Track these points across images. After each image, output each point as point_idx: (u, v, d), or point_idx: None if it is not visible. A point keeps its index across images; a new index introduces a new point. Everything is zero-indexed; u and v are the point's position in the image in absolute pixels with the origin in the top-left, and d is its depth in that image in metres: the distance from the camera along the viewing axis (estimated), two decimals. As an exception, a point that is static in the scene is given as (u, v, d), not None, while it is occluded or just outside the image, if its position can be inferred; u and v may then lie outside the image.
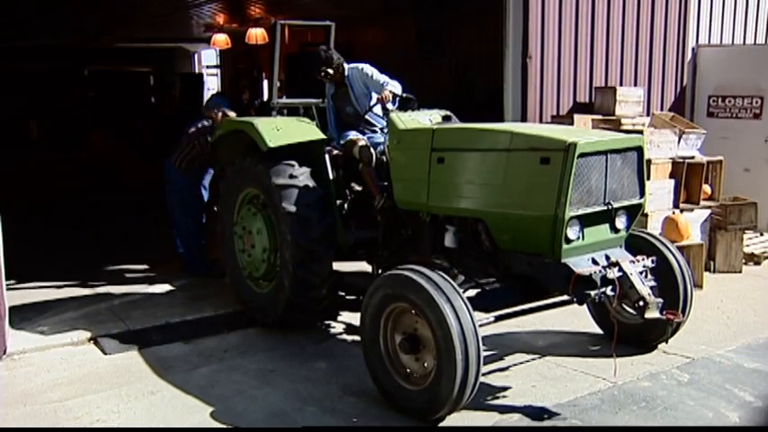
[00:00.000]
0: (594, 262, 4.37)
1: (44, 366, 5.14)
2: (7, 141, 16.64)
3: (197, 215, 7.37)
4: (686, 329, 5.24)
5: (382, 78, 5.86)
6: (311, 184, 5.51)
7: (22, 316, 6.00)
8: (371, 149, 5.60)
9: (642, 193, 4.61)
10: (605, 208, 4.39)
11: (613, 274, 4.28)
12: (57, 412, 4.44)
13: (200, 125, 7.15)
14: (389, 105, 5.67)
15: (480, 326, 4.08)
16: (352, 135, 5.83)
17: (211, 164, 7.12)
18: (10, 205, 5.46)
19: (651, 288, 4.39)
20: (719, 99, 8.69)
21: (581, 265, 4.30)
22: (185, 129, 7.26)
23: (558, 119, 7.68)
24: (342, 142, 5.84)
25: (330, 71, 5.94)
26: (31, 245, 7.98)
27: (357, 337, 4.87)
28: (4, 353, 5.25)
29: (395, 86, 5.72)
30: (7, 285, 5.39)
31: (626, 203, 4.52)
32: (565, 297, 4.52)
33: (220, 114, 6.97)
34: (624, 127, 7.35)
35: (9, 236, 5.37)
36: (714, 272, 7.33)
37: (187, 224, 7.36)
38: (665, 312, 4.35)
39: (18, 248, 5.75)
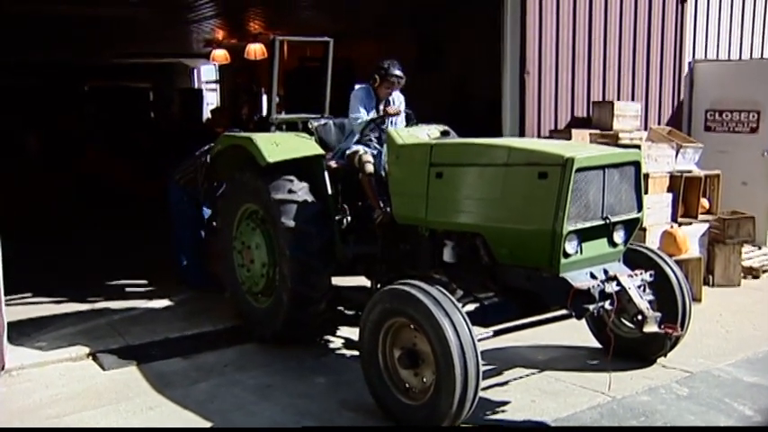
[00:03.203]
0: (593, 276, 4.38)
1: (42, 382, 5.13)
2: (6, 155, 16.67)
3: (196, 230, 7.38)
4: (685, 343, 5.23)
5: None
6: (310, 199, 5.52)
7: (21, 331, 5.99)
8: (374, 159, 5.64)
9: (640, 208, 4.62)
10: (603, 222, 4.40)
11: (611, 288, 4.29)
12: (55, 428, 4.42)
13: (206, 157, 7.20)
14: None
15: (479, 340, 4.09)
16: (356, 147, 5.85)
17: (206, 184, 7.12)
18: (7, 218, 5.46)
19: (649, 302, 4.39)
20: (716, 113, 8.73)
21: (579, 279, 4.30)
22: (195, 151, 7.31)
23: (555, 134, 7.71)
24: (348, 153, 5.86)
25: (402, 81, 5.96)
26: (28, 258, 7.95)
27: (356, 352, 4.86)
28: (3, 368, 5.23)
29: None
30: (6, 300, 5.39)
31: (624, 218, 4.53)
32: (563, 311, 4.52)
33: None
34: (622, 141, 7.38)
35: (7, 249, 5.37)
36: (713, 285, 7.33)
37: (187, 238, 7.38)
38: (663, 326, 4.35)
39: (16, 262, 5.75)
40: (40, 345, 5.78)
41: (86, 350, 5.67)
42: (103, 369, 5.36)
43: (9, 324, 5.52)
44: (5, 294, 5.37)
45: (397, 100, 6.08)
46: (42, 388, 5.03)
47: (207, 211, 7.43)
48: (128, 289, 7.50)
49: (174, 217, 7.42)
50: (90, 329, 6.18)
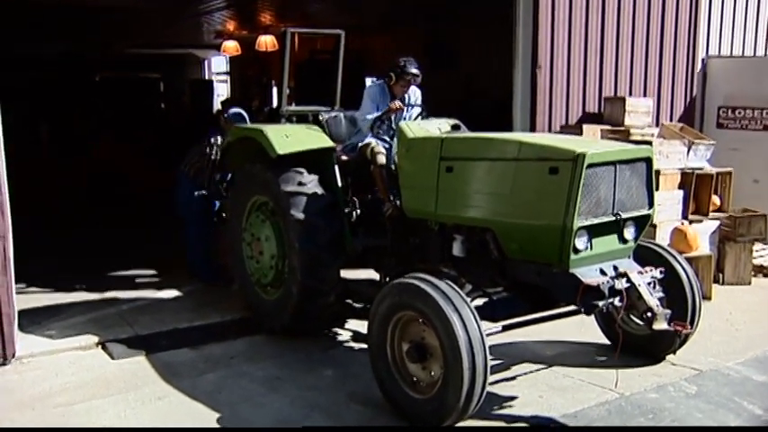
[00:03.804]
0: (602, 272, 4.36)
1: (52, 370, 5.17)
2: (18, 146, 16.69)
3: (205, 223, 7.34)
4: (694, 341, 5.21)
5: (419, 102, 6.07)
6: (320, 191, 5.53)
7: (32, 320, 6.04)
8: (386, 152, 5.63)
9: (651, 204, 4.60)
10: (614, 218, 4.38)
11: (621, 284, 4.28)
12: (64, 416, 4.46)
13: (212, 139, 7.18)
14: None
15: (487, 335, 4.08)
16: (369, 139, 5.84)
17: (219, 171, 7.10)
18: (19, 209, 5.49)
19: (659, 299, 4.38)
20: (729, 110, 8.67)
21: (589, 275, 4.29)
22: (201, 140, 7.28)
23: (566, 129, 7.67)
24: (360, 145, 5.85)
25: (418, 79, 5.91)
26: (39, 248, 8.00)
27: (364, 345, 4.87)
28: (14, 356, 5.27)
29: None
30: (17, 289, 5.42)
31: (634, 214, 4.51)
32: (572, 307, 4.51)
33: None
34: (633, 137, 7.34)
35: (18, 239, 5.40)
36: (723, 283, 7.29)
37: (195, 231, 7.36)
38: (673, 324, 4.33)
39: (27, 252, 5.79)
40: (50, 333, 5.82)
41: (96, 339, 5.70)
42: (112, 358, 5.40)
43: (20, 312, 5.56)
44: (16, 282, 5.40)
45: (413, 96, 6.05)
46: (52, 376, 5.07)
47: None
48: (137, 280, 7.53)
49: (183, 211, 7.39)
50: (99, 319, 6.22)
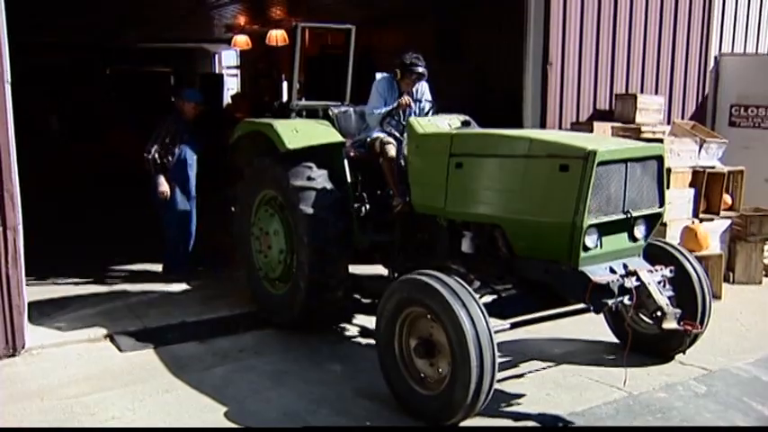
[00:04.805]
0: (612, 271, 4.34)
1: (61, 362, 5.19)
2: (28, 137, 16.69)
3: (184, 210, 7.21)
4: (704, 341, 5.18)
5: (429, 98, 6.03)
6: (329, 186, 5.52)
7: (41, 311, 6.06)
8: (396, 146, 5.62)
9: (662, 203, 4.57)
10: (624, 216, 4.36)
11: (631, 283, 4.25)
12: (72, 408, 4.48)
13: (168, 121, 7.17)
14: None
15: (496, 332, 4.07)
16: (377, 134, 5.82)
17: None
18: (29, 201, 5.50)
19: (669, 298, 4.35)
20: (741, 108, 8.61)
21: (598, 273, 4.27)
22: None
23: (577, 126, 7.64)
24: (369, 139, 5.83)
25: (424, 77, 5.90)
26: (48, 240, 8.02)
27: (371, 341, 4.88)
28: (23, 348, 5.30)
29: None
30: (26, 281, 5.44)
31: (645, 212, 4.48)
32: (581, 305, 4.49)
33: (188, 106, 7.19)
34: (644, 135, 7.31)
35: (28, 231, 5.41)
36: (733, 283, 7.25)
37: (174, 221, 7.18)
38: (682, 323, 4.30)
39: (36, 244, 5.80)
40: (59, 325, 5.85)
41: (104, 332, 5.72)
42: (120, 351, 5.41)
43: (29, 304, 5.58)
44: (26, 274, 5.42)
45: (420, 90, 6.03)
46: (61, 368, 5.09)
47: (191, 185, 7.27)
48: (146, 272, 7.54)
49: (158, 200, 7.11)
50: (108, 311, 6.24)
